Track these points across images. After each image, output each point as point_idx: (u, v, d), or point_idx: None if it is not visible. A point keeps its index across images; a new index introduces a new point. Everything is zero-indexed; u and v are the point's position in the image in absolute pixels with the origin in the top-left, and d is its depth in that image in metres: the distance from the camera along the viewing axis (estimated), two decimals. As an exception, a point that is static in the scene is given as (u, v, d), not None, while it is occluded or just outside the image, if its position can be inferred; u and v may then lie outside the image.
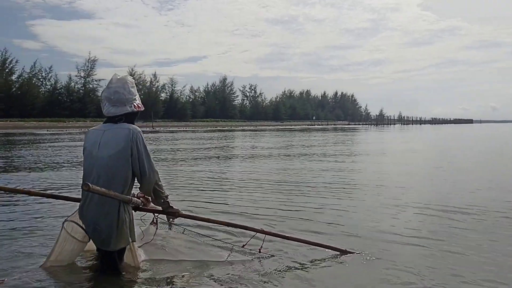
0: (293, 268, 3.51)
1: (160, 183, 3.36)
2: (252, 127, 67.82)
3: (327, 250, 3.83)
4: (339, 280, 3.30)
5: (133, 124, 3.30)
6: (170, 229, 4.09)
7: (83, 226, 3.27)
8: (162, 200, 3.41)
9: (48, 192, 3.80)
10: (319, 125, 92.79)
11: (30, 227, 4.65)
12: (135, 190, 3.35)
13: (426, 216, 5.34)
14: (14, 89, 68.36)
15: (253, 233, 3.82)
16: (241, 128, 64.09)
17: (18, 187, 3.71)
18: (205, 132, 45.08)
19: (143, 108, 3.41)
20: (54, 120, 60.76)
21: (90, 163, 3.17)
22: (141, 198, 3.44)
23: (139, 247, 3.56)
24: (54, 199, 3.94)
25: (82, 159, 3.29)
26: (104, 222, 3.12)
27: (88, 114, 70.56)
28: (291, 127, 71.11)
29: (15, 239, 4.22)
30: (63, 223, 3.33)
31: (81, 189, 3.06)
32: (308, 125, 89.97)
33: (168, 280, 3.26)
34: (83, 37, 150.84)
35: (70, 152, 16.35)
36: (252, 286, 3.13)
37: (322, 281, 3.26)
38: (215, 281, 3.23)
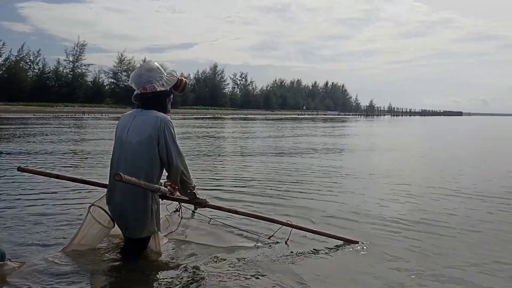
0: (316, 258, 3.53)
1: (187, 173, 3.33)
2: (242, 115, 67.67)
3: (348, 244, 3.85)
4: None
5: (166, 109, 3.36)
6: (193, 217, 4.18)
7: (109, 212, 3.32)
8: (189, 190, 3.39)
9: (78, 177, 3.77)
10: (309, 115, 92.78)
11: (55, 211, 4.70)
12: (163, 179, 3.39)
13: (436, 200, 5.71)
14: (1, 72, 67.17)
15: (279, 225, 3.83)
16: (231, 116, 63.83)
17: (47, 171, 3.66)
18: (195, 119, 44.83)
19: (167, 88, 3.35)
20: (41, 104, 59.88)
21: (119, 148, 3.23)
22: (168, 187, 3.47)
23: (164, 236, 3.62)
24: (81, 184, 3.92)
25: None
26: (131, 209, 3.16)
27: (77, 99, 69.59)
28: (281, 116, 71.07)
29: (39, 223, 4.27)
30: (89, 207, 3.37)
31: (108, 176, 3.11)
32: (298, 114, 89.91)
33: (191, 265, 3.28)
34: (73, 21, 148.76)
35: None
36: (274, 274, 3.16)
37: (346, 273, 3.28)
38: (236, 267, 3.25)
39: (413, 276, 3.21)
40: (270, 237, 3.87)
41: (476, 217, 4.99)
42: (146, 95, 3.27)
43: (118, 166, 3.18)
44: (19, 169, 3.43)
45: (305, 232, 3.91)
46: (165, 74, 3.38)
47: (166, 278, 3.08)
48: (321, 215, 4.88)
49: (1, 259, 2.90)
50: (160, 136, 3.16)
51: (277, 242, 3.80)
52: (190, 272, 3.17)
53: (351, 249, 3.79)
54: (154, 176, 3.21)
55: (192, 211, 4.19)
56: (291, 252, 3.66)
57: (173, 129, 3.25)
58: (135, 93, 3.32)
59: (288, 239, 3.81)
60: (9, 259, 2.99)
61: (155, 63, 3.39)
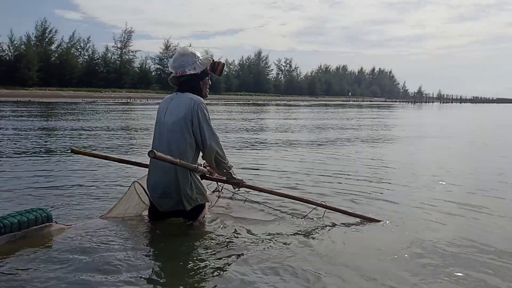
0: (347, 237, 3.48)
1: (222, 153, 3.45)
2: (285, 102, 67.40)
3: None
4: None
5: (201, 92, 3.48)
6: (232, 198, 4.34)
7: (147, 192, 3.51)
8: (225, 170, 3.53)
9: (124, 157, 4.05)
10: (354, 101, 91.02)
11: (101, 187, 4.99)
12: (202, 160, 3.52)
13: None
14: (53, 58, 69.78)
15: (313, 206, 3.90)
16: (274, 102, 63.68)
17: (97, 152, 4.00)
18: (239, 105, 44.97)
19: (198, 72, 3.44)
20: (90, 90, 61.85)
21: (158, 129, 3.41)
22: (207, 167, 3.64)
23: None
24: (126, 164, 4.18)
25: None
26: (174, 185, 3.29)
27: (124, 85, 71.44)
28: (325, 103, 70.23)
29: (87, 195, 4.60)
30: (133, 183, 3.69)
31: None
32: (343, 101, 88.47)
33: (225, 238, 3.34)
34: (122, 8, 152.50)
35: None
36: (304, 249, 3.15)
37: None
38: (266, 242, 3.26)
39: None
40: (304, 217, 3.89)
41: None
42: (179, 78, 3.44)
43: (156, 146, 3.34)
44: (72, 151, 3.66)
45: (340, 214, 3.90)
46: (200, 58, 3.46)
47: (200, 247, 3.14)
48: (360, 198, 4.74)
49: (48, 220, 3.15)
50: (193, 117, 3.28)
51: (313, 219, 3.83)
52: (224, 245, 3.20)
53: (384, 230, 3.68)
54: (190, 156, 3.32)
55: (232, 192, 4.34)
56: (324, 231, 3.61)
57: (207, 111, 3.37)
58: (170, 76, 3.51)
59: (323, 216, 3.86)
60: (56, 221, 3.24)
61: (190, 48, 3.52)
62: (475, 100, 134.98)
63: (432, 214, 4.15)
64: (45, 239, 3.09)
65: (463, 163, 7.96)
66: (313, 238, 3.41)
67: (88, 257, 2.84)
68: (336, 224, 3.75)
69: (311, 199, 4.03)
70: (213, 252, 3.05)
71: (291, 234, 3.46)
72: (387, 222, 3.81)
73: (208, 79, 3.55)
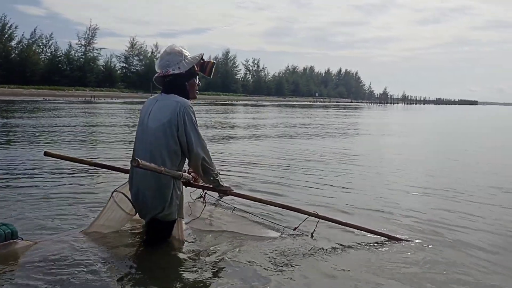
0: (343, 253, 3.35)
1: (209, 160, 3.24)
2: (253, 102, 67.43)
3: (381, 237, 3.63)
4: (393, 269, 3.06)
5: (187, 93, 3.25)
6: (216, 204, 4.10)
7: (131, 199, 3.28)
8: (212, 178, 3.32)
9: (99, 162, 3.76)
10: (322, 102, 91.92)
11: (77, 195, 4.69)
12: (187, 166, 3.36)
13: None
14: (13, 55, 67.35)
15: (305, 216, 3.67)
16: (242, 102, 63.54)
17: (71, 156, 3.70)
18: (207, 105, 44.64)
19: (182, 71, 3.21)
20: (53, 88, 60.01)
21: (141, 133, 3.19)
22: (192, 174, 3.43)
23: (186, 223, 3.55)
24: (105, 169, 3.91)
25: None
26: (152, 195, 3.09)
27: (88, 83, 69.68)
28: (293, 103, 70.61)
29: (60, 205, 4.30)
30: (112, 192, 3.36)
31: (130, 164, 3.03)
32: (310, 101, 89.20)
33: (211, 254, 3.18)
34: (87, 5, 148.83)
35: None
36: (295, 267, 3.02)
37: (377, 269, 3.05)
38: (257, 258, 3.11)
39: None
40: (295, 228, 3.70)
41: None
42: (164, 78, 3.24)
43: (140, 150, 3.15)
44: (46, 153, 3.42)
45: (333, 224, 3.73)
46: (188, 57, 3.25)
47: (185, 266, 2.99)
48: (351, 207, 4.65)
49: (13, 237, 2.91)
50: (179, 121, 3.08)
51: (303, 234, 3.64)
52: (209, 262, 3.06)
53: (383, 244, 3.56)
54: (175, 163, 3.14)
55: (217, 199, 4.16)
56: (317, 245, 3.47)
57: (194, 115, 3.16)
58: (154, 76, 3.29)
59: (314, 231, 3.64)
60: (21, 238, 3.00)
61: (177, 47, 3.27)
62: (438, 102, 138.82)
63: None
64: (10, 257, 2.85)
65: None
66: (307, 251, 3.31)
67: (55, 279, 2.65)
68: (331, 236, 3.62)
69: (302, 209, 3.77)
70: (199, 268, 2.92)
71: (281, 252, 3.28)
72: (407, 239, 3.64)
73: (195, 80, 3.31)
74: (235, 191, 3.59)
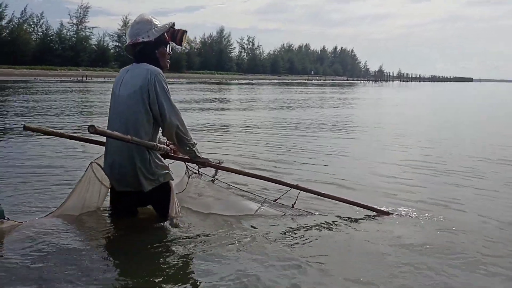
0: (324, 226, 3.34)
1: (184, 129, 3.13)
2: (248, 80, 67.23)
3: (361, 209, 3.64)
4: (371, 240, 3.07)
5: (158, 62, 3.18)
6: (199, 178, 3.96)
7: (105, 170, 3.20)
8: (188, 148, 3.21)
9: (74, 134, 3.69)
10: (317, 80, 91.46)
11: (58, 171, 4.70)
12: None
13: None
14: (4, 35, 66.17)
15: (287, 188, 3.65)
16: (237, 81, 63.30)
17: (50, 129, 3.62)
18: (201, 84, 44.34)
19: (151, 39, 3.15)
20: (45, 67, 59.22)
21: (113, 103, 3.14)
22: (170, 146, 3.35)
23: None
24: (85, 143, 3.78)
25: None
26: (129, 164, 3.01)
27: (81, 63, 68.77)
28: (288, 81, 70.32)
29: (41, 182, 4.27)
30: (89, 164, 3.31)
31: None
32: (305, 79, 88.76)
33: (195, 234, 3.10)
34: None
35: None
36: (279, 242, 2.99)
37: (353, 240, 3.08)
38: (241, 236, 3.06)
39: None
40: (276, 200, 3.70)
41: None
42: (134, 48, 3.18)
43: (113, 122, 3.09)
44: (25, 128, 3.30)
45: (315, 196, 3.75)
46: (157, 25, 3.20)
47: (166, 243, 2.94)
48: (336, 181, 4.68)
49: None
50: (150, 89, 3.01)
51: (284, 205, 3.64)
52: (191, 239, 3.00)
53: (369, 218, 3.57)
54: (148, 132, 3.06)
55: (213, 176, 4.12)
56: (298, 217, 3.51)
57: (165, 83, 3.09)
58: (124, 45, 3.26)
59: (295, 203, 3.60)
60: (8, 218, 2.94)
61: (147, 16, 3.24)
62: (433, 79, 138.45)
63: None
64: None
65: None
66: (291, 225, 3.30)
67: (42, 260, 2.57)
68: (312, 208, 3.65)
69: (284, 181, 3.77)
70: (185, 245, 2.87)
71: (268, 222, 3.33)
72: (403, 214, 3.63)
73: (166, 49, 3.24)
74: (213, 163, 3.55)
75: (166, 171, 3.17)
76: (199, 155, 3.31)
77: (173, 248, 2.84)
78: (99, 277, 2.40)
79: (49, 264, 2.52)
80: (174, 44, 3.29)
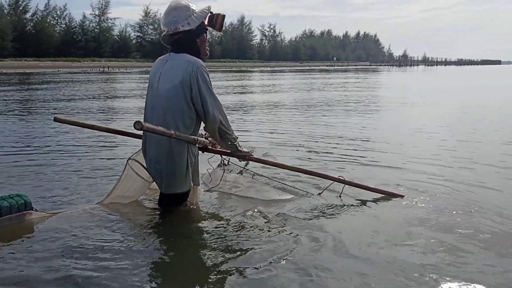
0: (369, 214, 3.23)
1: (226, 123, 3.01)
2: (269, 68, 66.85)
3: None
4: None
5: (198, 51, 3.00)
6: (240, 173, 3.81)
7: (146, 167, 3.09)
8: (230, 142, 3.10)
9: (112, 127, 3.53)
10: (340, 66, 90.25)
11: (93, 167, 4.53)
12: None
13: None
14: (28, 27, 67.16)
15: (330, 181, 3.56)
16: (258, 69, 62.97)
17: (83, 121, 3.52)
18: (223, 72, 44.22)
19: (193, 27, 2.95)
20: (69, 59, 59.96)
21: (151, 96, 2.99)
22: (209, 139, 3.23)
23: (205, 191, 3.50)
24: (118, 135, 3.71)
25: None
26: (165, 163, 2.91)
27: (103, 54, 69.41)
28: (310, 68, 69.63)
29: (77, 177, 4.12)
30: (127, 160, 3.17)
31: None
32: (327, 66, 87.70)
33: (228, 218, 3.07)
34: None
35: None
36: (316, 231, 2.86)
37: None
38: (275, 222, 2.99)
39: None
40: (320, 193, 3.57)
41: None
42: (173, 36, 2.96)
43: (151, 115, 2.95)
44: (56, 119, 3.24)
45: (359, 190, 3.59)
46: (196, 11, 2.98)
47: (200, 231, 2.90)
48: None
49: (26, 208, 2.84)
50: (192, 83, 2.84)
51: (328, 199, 3.49)
52: (226, 226, 2.94)
53: (398, 203, 3.46)
54: (190, 127, 2.93)
55: (243, 167, 3.92)
56: (342, 207, 3.36)
57: (207, 75, 2.93)
58: (162, 35, 3.05)
59: (340, 195, 3.52)
60: (36, 209, 2.90)
61: (183, 1, 2.98)
62: (460, 63, 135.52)
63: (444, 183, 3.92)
64: (25, 229, 2.76)
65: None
66: (334, 217, 3.15)
67: (72, 251, 2.49)
68: (356, 201, 3.48)
69: (327, 174, 3.64)
70: (222, 238, 2.74)
71: (308, 214, 3.18)
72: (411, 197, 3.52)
73: (206, 35, 3.07)
74: (256, 156, 3.42)
75: (196, 175, 3.08)
76: (241, 149, 3.19)
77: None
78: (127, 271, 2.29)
79: (79, 256, 2.44)
80: (211, 29, 3.08)
